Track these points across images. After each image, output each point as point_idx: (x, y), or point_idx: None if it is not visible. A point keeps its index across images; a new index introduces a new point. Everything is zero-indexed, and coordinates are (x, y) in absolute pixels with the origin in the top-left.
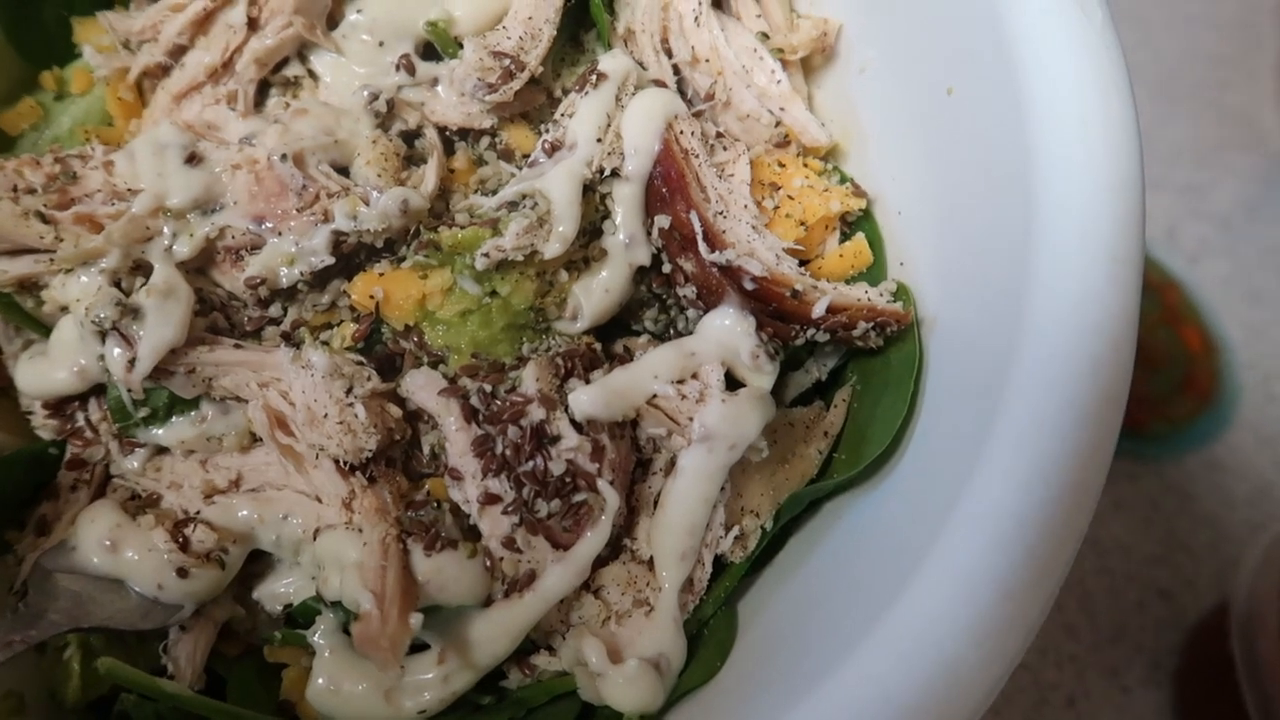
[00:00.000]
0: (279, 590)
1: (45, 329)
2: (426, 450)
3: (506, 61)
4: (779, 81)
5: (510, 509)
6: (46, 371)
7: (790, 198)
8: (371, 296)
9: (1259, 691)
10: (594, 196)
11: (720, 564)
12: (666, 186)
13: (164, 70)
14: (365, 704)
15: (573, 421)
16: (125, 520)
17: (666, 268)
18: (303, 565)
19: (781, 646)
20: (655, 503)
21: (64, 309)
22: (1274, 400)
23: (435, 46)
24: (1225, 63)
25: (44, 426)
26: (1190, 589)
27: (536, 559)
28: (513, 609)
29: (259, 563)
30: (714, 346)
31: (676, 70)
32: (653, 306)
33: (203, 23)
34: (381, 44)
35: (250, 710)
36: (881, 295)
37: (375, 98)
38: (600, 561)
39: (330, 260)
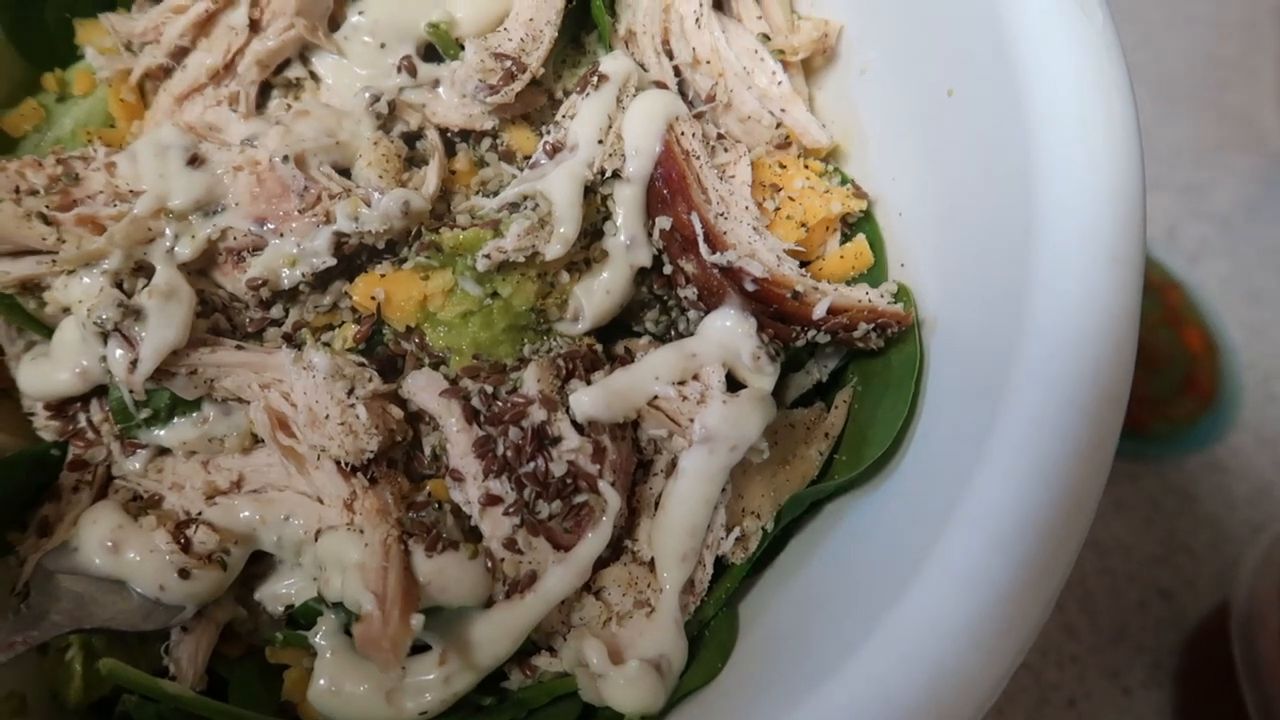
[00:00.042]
0: (280, 591)
1: (47, 330)
2: (428, 451)
3: (508, 63)
4: (780, 83)
5: (511, 510)
6: (48, 373)
7: (791, 199)
8: (373, 298)
9: (1259, 692)
10: (595, 198)
11: (721, 565)
12: (667, 188)
13: (166, 72)
14: (367, 705)
15: (574, 423)
16: (127, 521)
17: (667, 269)
18: (304, 566)
19: (782, 648)
20: (656, 504)
21: (66, 310)
22: (1274, 401)
23: (437, 48)
24: (1226, 63)
25: (46, 428)
26: (1191, 589)
27: (537, 560)
28: (514, 610)
29: (260, 564)
30: (715, 348)
31: (677, 72)
32: (654, 308)
33: (204, 24)
34: (383, 46)
35: (252, 711)
36: (882, 296)
37: (377, 99)
38: (601, 563)
39: (332, 261)
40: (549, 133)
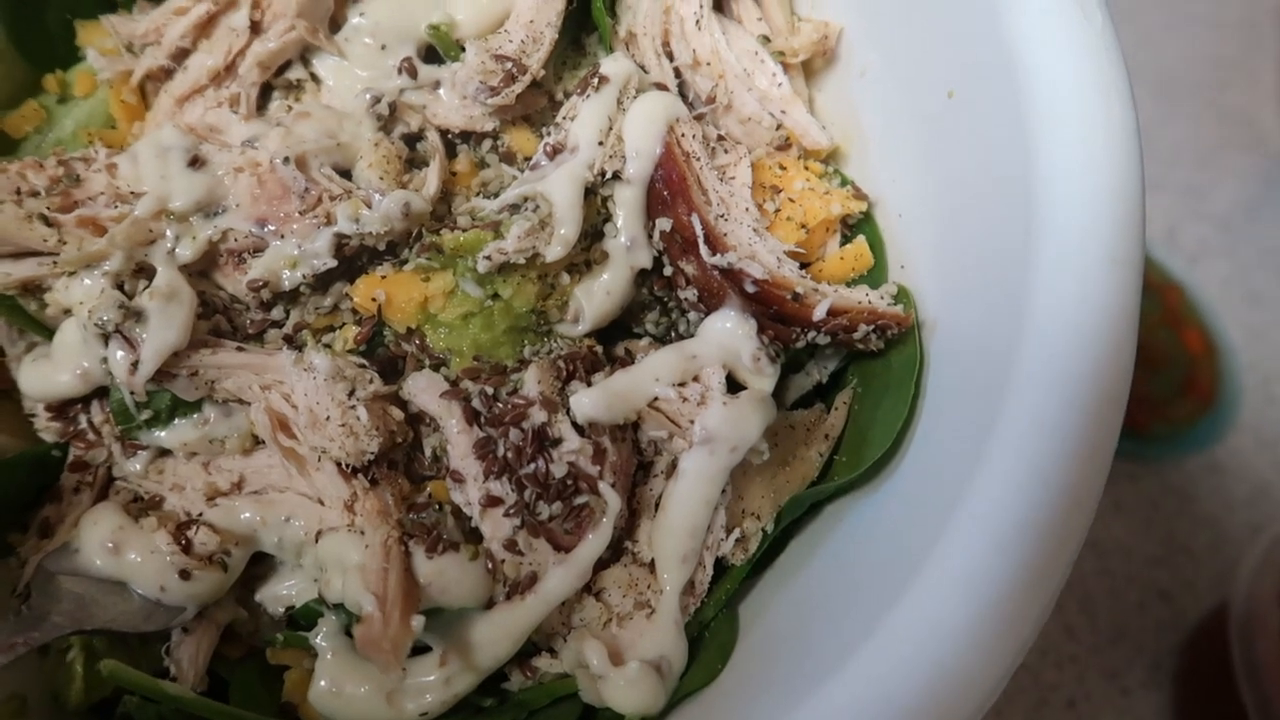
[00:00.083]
0: (281, 592)
1: (48, 332)
2: (428, 453)
3: (508, 65)
4: (780, 84)
5: (512, 511)
6: (49, 374)
7: (791, 200)
8: (373, 299)
9: (1258, 693)
10: (595, 199)
11: (721, 566)
12: (668, 189)
13: (167, 73)
14: (367, 706)
15: (574, 424)
16: (128, 522)
17: (668, 270)
18: (305, 567)
19: (782, 649)
20: (656, 505)
21: (67, 312)
22: (1274, 403)
23: (437, 50)
24: (1226, 63)
25: (47, 429)
26: (1190, 590)
27: (538, 561)
28: (514, 611)
29: (261, 565)
30: (715, 349)
31: (678, 73)
32: (654, 309)
33: (205, 26)
34: (384, 47)
35: (253, 712)
36: (882, 298)
37: (377, 101)
38: (601, 564)
39: (332, 263)
40: (549, 134)
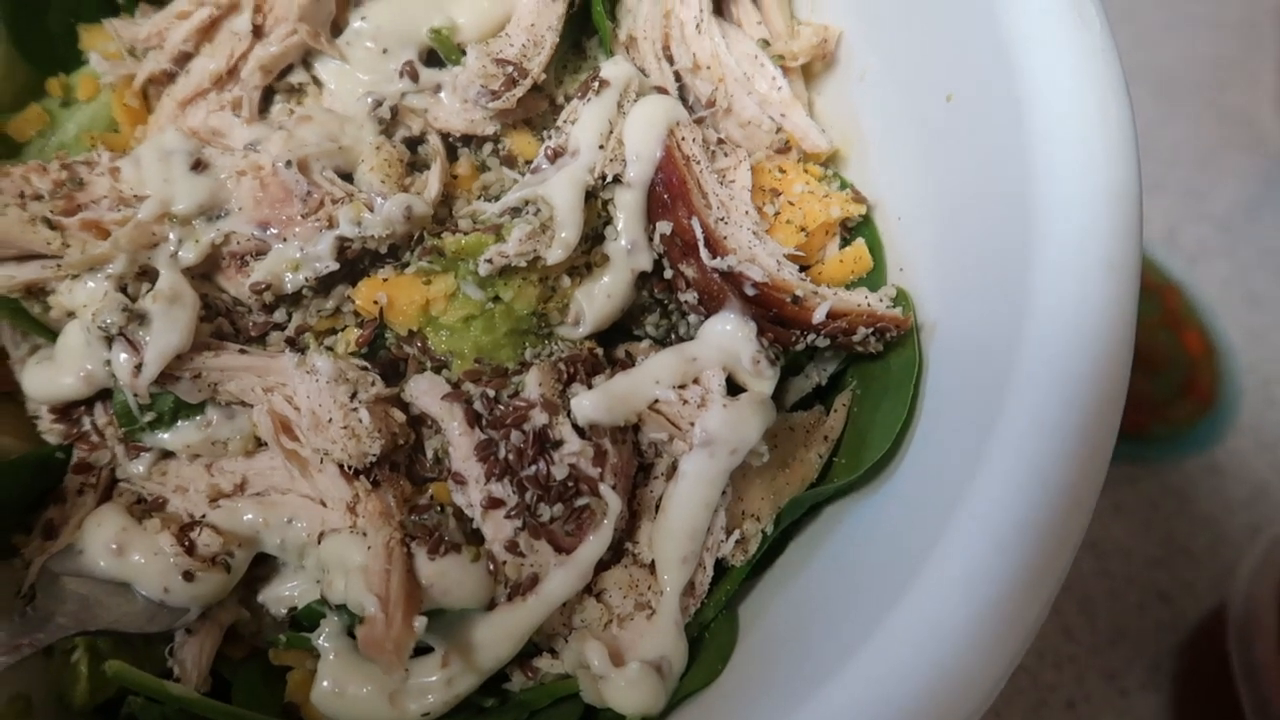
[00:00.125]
0: (284, 593)
1: (52, 334)
2: (430, 455)
3: (509, 68)
4: (780, 88)
5: (513, 513)
6: (53, 376)
7: (791, 203)
8: (375, 302)
9: (1256, 694)
10: (596, 202)
11: (721, 568)
12: (668, 193)
13: (169, 77)
14: (370, 706)
15: (575, 426)
16: (131, 524)
17: (668, 273)
18: (307, 569)
19: (782, 650)
20: (657, 507)
21: (70, 314)
22: (1274, 404)
23: (438, 54)
24: (1226, 64)
25: (50, 431)
26: (1189, 592)
27: (539, 563)
28: (515, 612)
29: (264, 566)
30: (715, 352)
31: (678, 77)
32: (654, 312)
33: (208, 30)
34: (385, 51)
35: (256, 713)
36: (881, 301)
37: (379, 104)
38: (602, 565)
39: (335, 266)
40: (550, 138)
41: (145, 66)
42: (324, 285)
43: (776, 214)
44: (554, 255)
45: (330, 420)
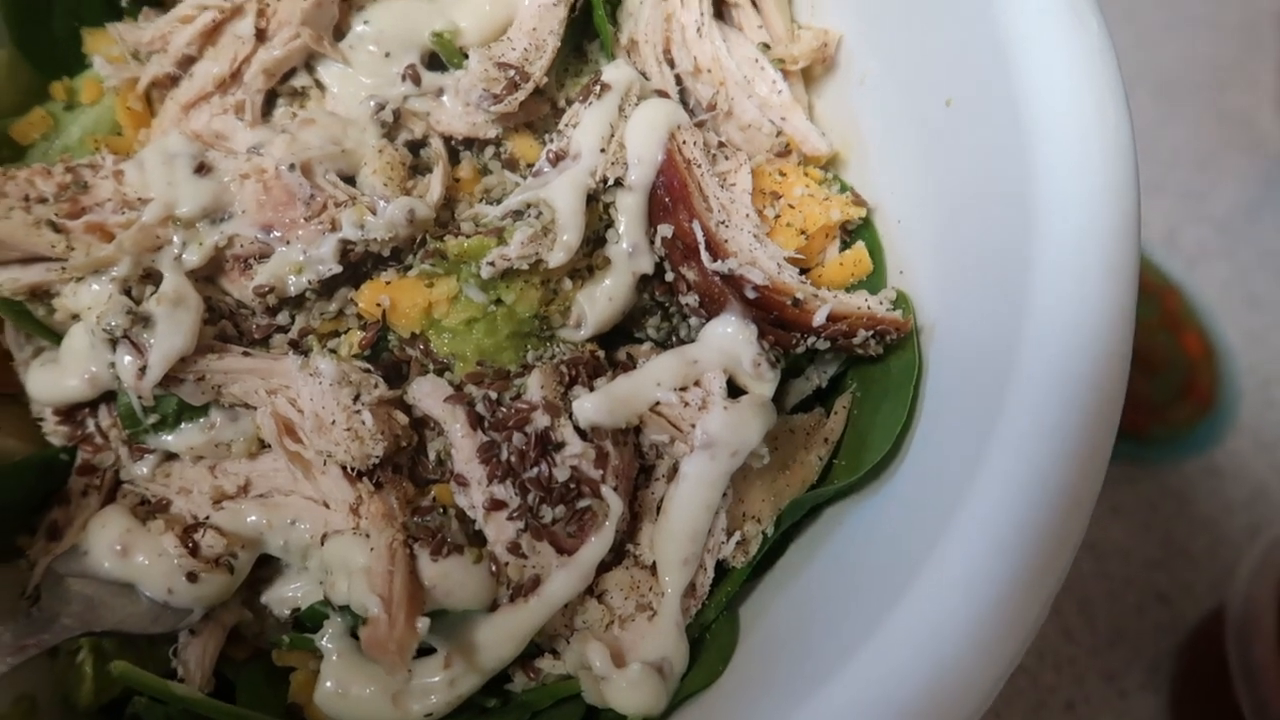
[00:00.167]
0: (287, 595)
1: (56, 337)
2: (432, 456)
3: (511, 72)
4: (780, 91)
5: (515, 514)
6: (58, 379)
7: (791, 207)
8: (378, 304)
9: (1254, 695)
10: (598, 206)
11: (722, 569)
12: (669, 196)
13: (173, 80)
14: (373, 707)
15: (577, 428)
16: (135, 525)
17: (669, 276)
18: (310, 570)
19: (782, 651)
20: (658, 508)
21: (75, 317)
22: (1273, 406)
23: (441, 57)
24: (1225, 65)
25: (55, 433)
26: (1188, 593)
27: (541, 564)
28: (518, 613)
29: (267, 567)
30: (716, 354)
31: (679, 80)
32: (655, 314)
33: (211, 34)
34: (388, 55)
35: (259, 713)
36: (881, 303)
37: (381, 108)
38: (604, 566)
39: (337, 269)
40: (552, 141)
41: (149, 70)
42: (327, 288)
43: (777, 217)
44: (556, 258)
45: (333, 422)
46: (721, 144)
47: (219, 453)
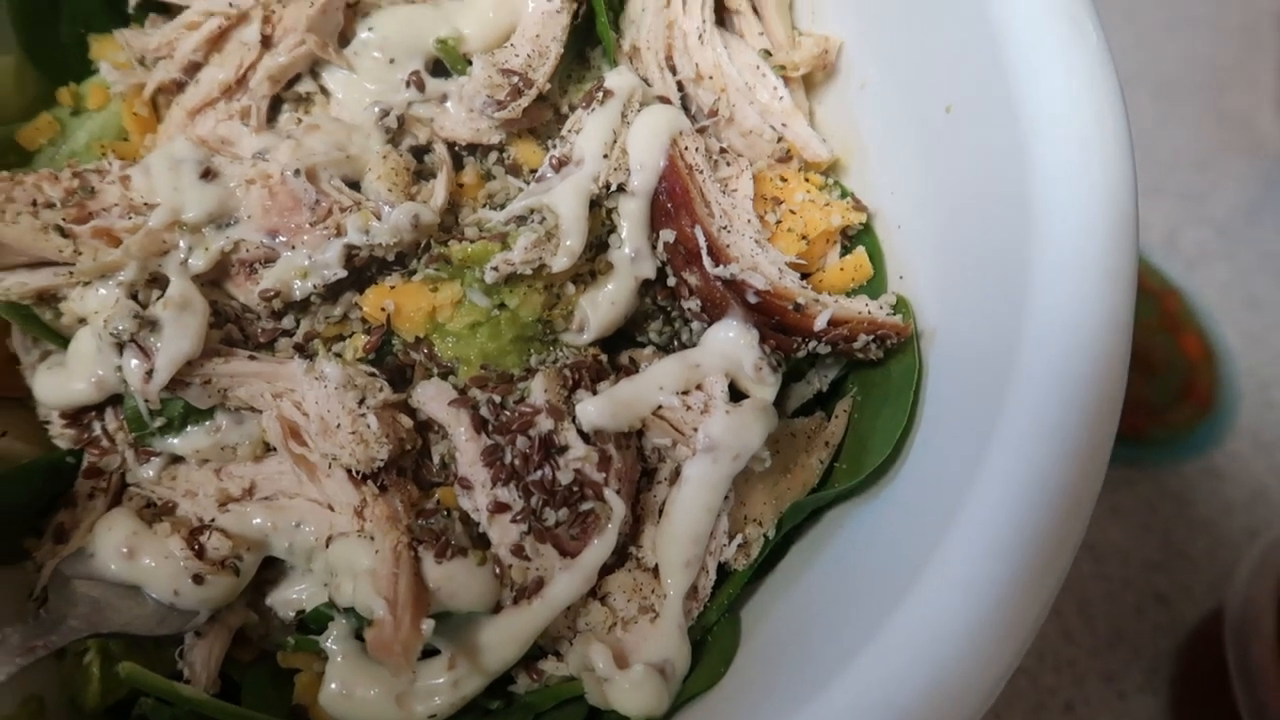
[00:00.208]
0: (291, 597)
1: (63, 341)
2: (436, 460)
3: (515, 79)
4: (781, 98)
5: (519, 517)
6: (64, 382)
7: (792, 212)
8: (383, 309)
9: (1253, 696)
10: (600, 211)
11: (724, 571)
12: (671, 201)
13: (179, 86)
14: (377, 708)
15: (580, 432)
16: (142, 528)
17: (671, 281)
18: (315, 572)
19: (784, 653)
20: (660, 511)
21: (82, 321)
22: (1272, 407)
23: (445, 64)
24: (1225, 67)
25: (61, 436)
26: (1188, 595)
27: (544, 566)
28: (521, 615)
29: (272, 570)
30: (718, 358)
31: (681, 87)
32: (657, 319)
33: (217, 40)
34: (392, 61)
35: (265, 714)
36: (882, 308)
37: (386, 114)
38: (607, 569)
39: (342, 273)
40: (555, 147)
41: (155, 76)
42: (332, 292)
43: (778, 222)
44: (559, 263)
45: (338, 426)
46: (723, 150)
47: (224, 456)
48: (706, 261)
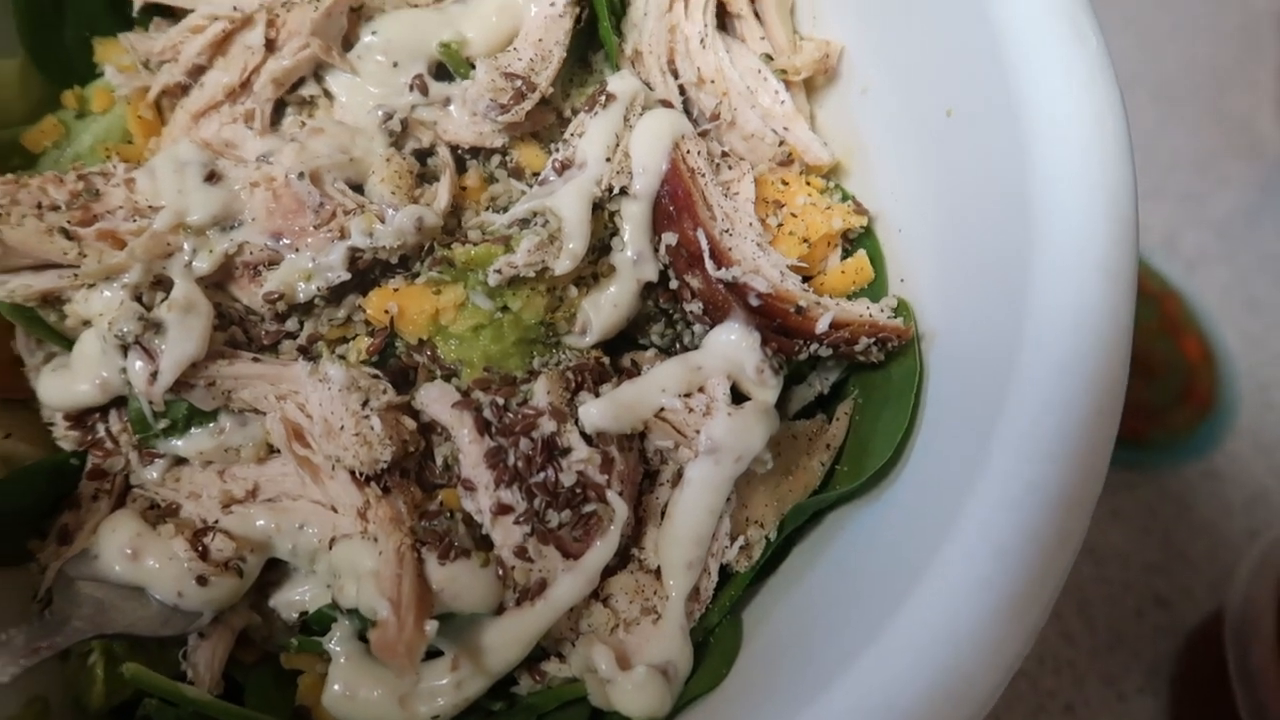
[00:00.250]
0: (295, 598)
1: (67, 343)
2: (440, 461)
3: (518, 82)
4: (782, 102)
5: (522, 519)
6: (69, 384)
7: (793, 215)
8: (386, 311)
9: (1253, 698)
10: (603, 214)
11: (725, 573)
12: (674, 205)
13: (183, 90)
14: (380, 709)
15: (583, 434)
16: (146, 529)
17: (673, 284)
18: (318, 574)
19: (785, 655)
20: (662, 513)
21: (86, 323)
22: (1272, 409)
23: (448, 67)
24: (1225, 70)
25: (65, 438)
26: (1188, 597)
27: (547, 568)
28: (524, 617)
29: (275, 571)
30: (720, 361)
31: (682, 91)
32: (659, 321)
33: (222, 44)
34: (396, 65)
35: (268, 715)
36: (883, 311)
37: (389, 117)
38: (609, 570)
39: (346, 276)
40: (558, 150)
41: (159, 79)
42: (335, 295)
43: (779, 226)
44: (562, 266)
45: (342, 427)
46: (725, 153)
47: (228, 457)
48: (709, 264)
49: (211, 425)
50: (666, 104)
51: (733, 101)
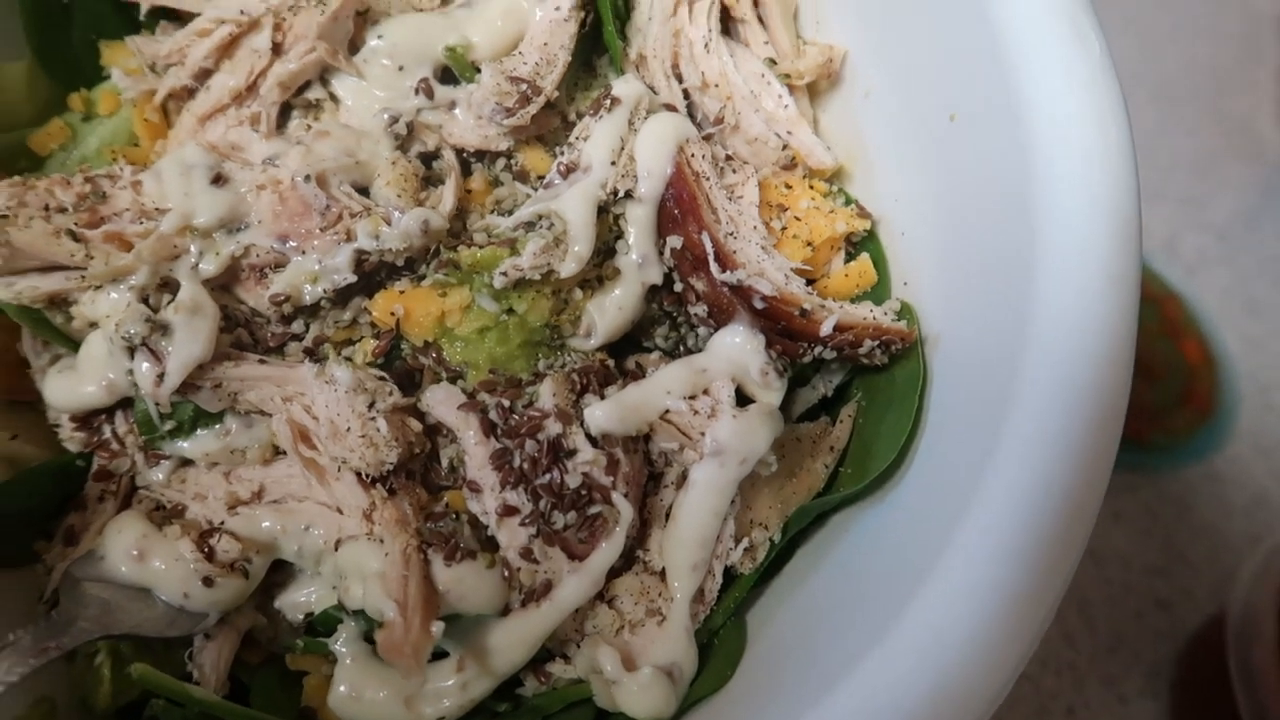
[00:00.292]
0: (300, 599)
1: (74, 344)
2: (445, 463)
3: (523, 86)
4: (786, 106)
5: (527, 520)
6: (75, 385)
7: (797, 219)
8: (392, 313)
9: (1253, 700)
10: (608, 217)
11: (730, 575)
12: (678, 208)
13: (189, 93)
14: (386, 710)
15: (588, 436)
16: (152, 530)
17: (678, 286)
18: (324, 575)
19: (789, 657)
20: (667, 515)
21: (93, 325)
22: (1272, 411)
23: (453, 71)
24: (1225, 72)
25: (71, 439)
26: (1188, 599)
27: (553, 569)
28: (530, 618)
29: (280, 572)
30: (724, 363)
31: (687, 95)
32: (664, 324)
33: (228, 47)
34: (401, 68)
35: (274, 717)
36: (886, 314)
37: (395, 120)
38: (614, 572)
39: (352, 278)
40: (563, 154)
41: (166, 82)
42: (341, 297)
43: (783, 229)
44: (567, 269)
45: (348, 429)
46: (729, 157)
47: (234, 459)
48: (713, 267)
49: (217, 427)
50: (671, 108)
51: (736, 106)
